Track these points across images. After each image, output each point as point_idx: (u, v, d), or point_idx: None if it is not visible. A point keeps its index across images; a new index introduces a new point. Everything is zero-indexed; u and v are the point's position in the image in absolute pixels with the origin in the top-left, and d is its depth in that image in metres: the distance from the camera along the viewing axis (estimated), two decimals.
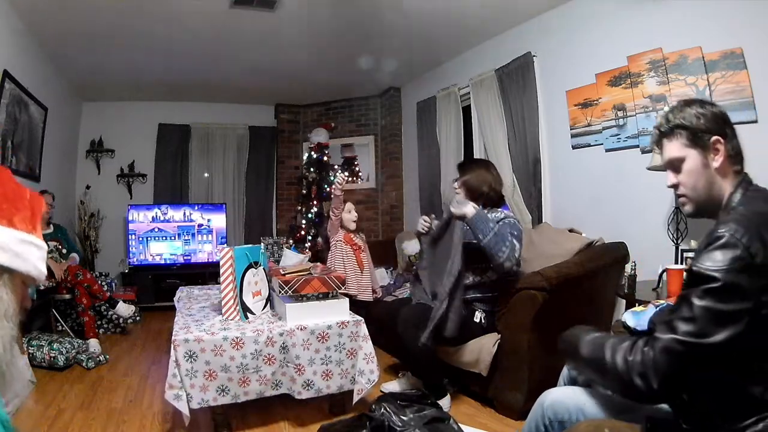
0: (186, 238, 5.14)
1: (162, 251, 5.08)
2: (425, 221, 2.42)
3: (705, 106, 1.04)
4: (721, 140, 1.02)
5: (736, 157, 1.04)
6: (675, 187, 1.08)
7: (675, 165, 1.06)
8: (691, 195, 1.05)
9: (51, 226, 3.70)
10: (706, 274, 0.87)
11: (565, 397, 1.19)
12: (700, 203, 1.05)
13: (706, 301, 0.86)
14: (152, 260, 5.03)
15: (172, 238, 5.10)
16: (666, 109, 1.11)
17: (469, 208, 2.14)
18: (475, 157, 4.18)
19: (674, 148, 1.05)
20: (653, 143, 1.16)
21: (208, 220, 5.21)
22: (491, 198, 2.33)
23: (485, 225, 2.10)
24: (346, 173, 3.27)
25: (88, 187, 5.17)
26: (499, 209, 2.34)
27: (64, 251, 3.63)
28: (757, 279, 0.85)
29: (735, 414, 0.88)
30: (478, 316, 2.29)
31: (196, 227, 5.18)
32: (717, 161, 1.02)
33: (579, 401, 1.15)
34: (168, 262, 5.08)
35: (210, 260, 5.13)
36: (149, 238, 5.03)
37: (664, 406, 1.07)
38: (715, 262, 0.87)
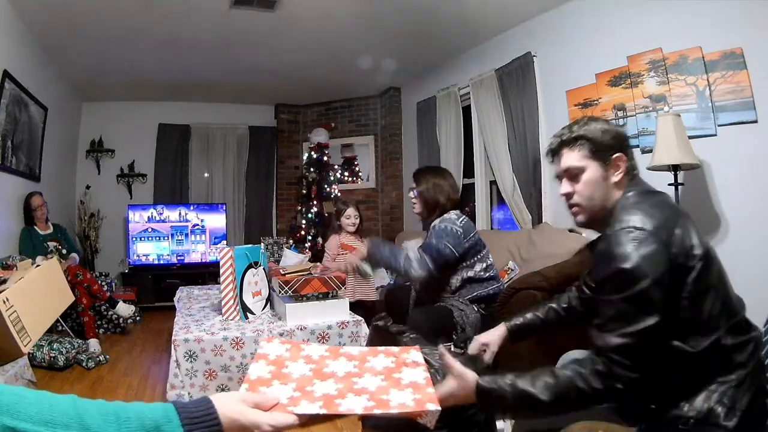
0: (179, 238, 5.13)
1: (155, 251, 5.05)
2: None
3: (609, 124, 1.09)
4: (624, 157, 1.06)
5: (632, 174, 1.08)
6: (569, 195, 1.10)
7: (573, 174, 1.09)
8: (586, 204, 1.08)
9: (50, 225, 3.70)
10: (610, 274, 0.92)
11: None
12: (593, 213, 1.08)
13: (625, 292, 0.90)
14: (144, 260, 5.02)
15: (165, 238, 5.08)
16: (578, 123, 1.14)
17: (360, 259, 2.18)
18: (474, 158, 4.19)
19: (575, 157, 1.08)
20: (550, 151, 1.15)
21: (202, 220, 5.20)
22: (446, 208, 2.29)
23: (377, 254, 2.15)
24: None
25: (88, 187, 5.17)
26: (445, 214, 2.28)
27: (64, 251, 3.63)
28: (658, 244, 0.91)
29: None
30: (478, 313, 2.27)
31: (190, 227, 5.17)
32: (616, 176, 1.06)
33: (561, 419, 1.12)
34: (159, 262, 5.05)
35: (204, 260, 5.13)
36: (142, 238, 5.02)
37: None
38: (612, 261, 0.92)
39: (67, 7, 3.14)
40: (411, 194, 2.39)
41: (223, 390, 1.94)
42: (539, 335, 1.38)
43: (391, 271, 2.24)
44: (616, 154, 1.05)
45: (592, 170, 1.06)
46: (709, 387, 0.92)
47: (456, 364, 0.97)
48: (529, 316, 1.37)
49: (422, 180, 2.34)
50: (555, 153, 1.13)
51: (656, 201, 1.00)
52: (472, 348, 1.35)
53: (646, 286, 0.89)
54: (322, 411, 0.71)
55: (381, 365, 0.85)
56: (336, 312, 2.22)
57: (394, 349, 0.91)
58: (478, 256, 2.26)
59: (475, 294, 2.23)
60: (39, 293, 1.80)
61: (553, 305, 1.37)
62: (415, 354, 0.89)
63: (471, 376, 0.96)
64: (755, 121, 2.20)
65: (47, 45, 3.75)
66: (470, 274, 2.24)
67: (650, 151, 2.45)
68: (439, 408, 0.76)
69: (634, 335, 0.89)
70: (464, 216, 2.28)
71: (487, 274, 2.27)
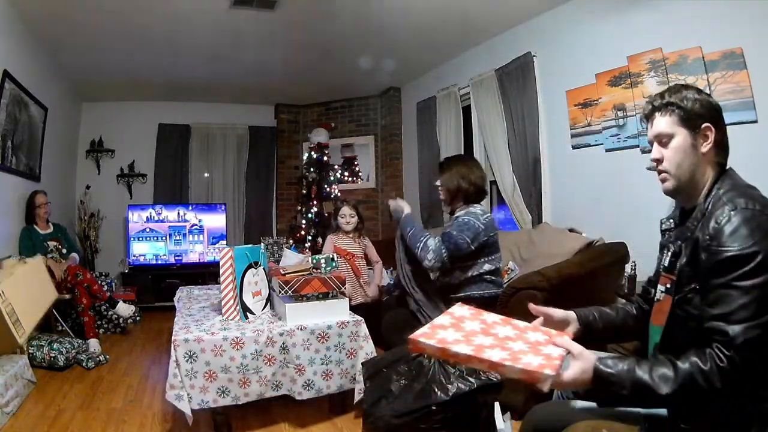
0: (177, 238, 5.12)
1: (153, 251, 5.04)
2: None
3: (701, 93, 1.06)
4: (712, 128, 1.03)
5: (721, 148, 1.05)
6: (658, 161, 1.08)
7: (663, 140, 1.07)
8: (674, 172, 1.06)
9: (50, 225, 3.69)
10: (744, 254, 0.87)
11: (551, 414, 1.16)
12: (681, 182, 1.06)
13: (758, 278, 0.86)
14: (144, 260, 5.01)
15: (162, 238, 5.07)
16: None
17: (403, 213, 2.30)
18: (474, 155, 4.19)
19: (666, 123, 1.06)
20: (644, 116, 1.15)
21: (200, 221, 5.19)
22: (470, 194, 2.30)
23: (405, 228, 2.27)
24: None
25: (88, 187, 5.17)
26: (470, 207, 2.29)
27: (64, 251, 3.62)
28: None
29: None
30: None
31: (188, 227, 5.16)
32: (705, 147, 1.03)
33: (566, 418, 1.12)
34: (158, 262, 5.04)
35: (202, 260, 5.13)
36: (139, 238, 5.01)
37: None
38: (746, 238, 0.88)
39: (67, 8, 3.14)
40: (437, 182, 2.41)
41: (223, 392, 1.94)
42: (606, 341, 1.27)
43: (408, 245, 2.27)
44: (705, 124, 1.03)
45: (681, 137, 1.04)
46: (752, 400, 0.90)
47: (574, 345, 0.94)
48: (597, 312, 1.23)
49: (446, 169, 2.36)
50: (648, 118, 1.12)
51: (761, 194, 0.98)
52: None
53: None
54: (470, 352, 0.89)
55: (534, 338, 1.00)
56: (336, 312, 2.22)
57: (552, 331, 1.06)
58: (490, 258, 2.27)
59: (468, 294, 2.22)
60: (29, 288, 1.83)
61: (621, 306, 1.27)
62: (567, 341, 1.00)
63: (591, 356, 0.92)
64: (755, 121, 2.20)
65: (47, 45, 3.75)
66: (475, 272, 2.23)
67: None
68: (553, 373, 0.84)
69: (764, 327, 0.85)
70: (489, 213, 2.31)
71: (491, 278, 2.26)
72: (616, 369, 0.90)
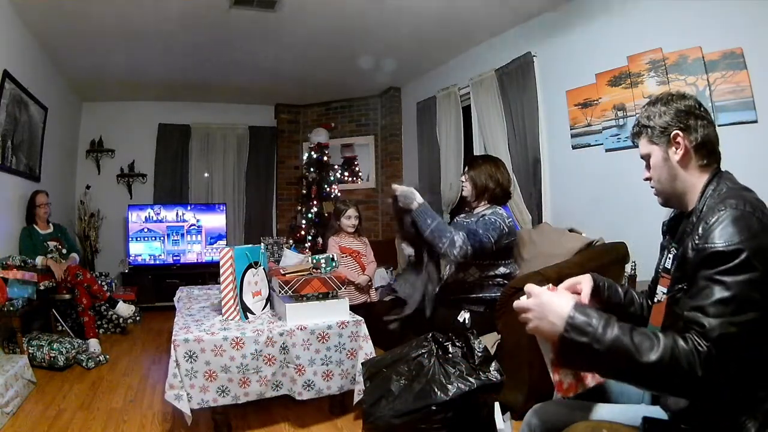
0: (175, 238, 5.11)
1: (151, 251, 5.04)
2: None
3: (669, 104, 1.08)
4: (681, 134, 1.05)
5: (702, 149, 1.05)
6: (648, 180, 1.15)
7: (645, 161, 1.13)
8: (658, 187, 1.12)
9: (51, 225, 3.69)
10: (728, 250, 0.87)
11: (550, 414, 1.16)
12: (665, 194, 1.11)
13: (740, 276, 0.85)
14: (143, 260, 5.01)
15: (160, 238, 5.07)
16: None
17: (414, 204, 2.15)
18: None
19: (642, 145, 1.13)
20: (632, 142, 1.21)
21: (198, 220, 5.19)
22: (497, 195, 2.33)
23: (424, 220, 2.11)
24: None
25: (88, 187, 5.17)
26: (496, 207, 2.32)
27: (64, 251, 3.62)
28: None
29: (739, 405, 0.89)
30: (463, 316, 2.19)
31: (186, 228, 5.16)
32: (678, 154, 1.05)
33: (566, 418, 1.11)
34: (157, 262, 5.04)
35: (200, 260, 5.13)
36: (138, 238, 5.01)
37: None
38: (732, 235, 0.88)
39: (66, 7, 3.14)
40: (462, 178, 2.42)
41: (223, 392, 1.94)
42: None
43: (425, 243, 2.17)
44: (674, 132, 1.05)
45: (655, 154, 1.09)
46: (751, 401, 0.89)
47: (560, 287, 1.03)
48: (608, 282, 1.26)
49: (475, 165, 2.38)
50: (634, 143, 1.19)
51: (755, 196, 0.97)
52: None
53: (763, 275, 0.85)
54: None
55: None
56: (336, 312, 2.22)
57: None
58: (506, 261, 2.28)
59: (480, 296, 2.22)
60: None
61: (632, 291, 1.27)
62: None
63: (569, 299, 0.93)
64: (755, 121, 2.20)
65: (47, 45, 3.74)
66: (491, 273, 2.24)
67: None
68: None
69: (742, 326, 0.83)
70: (512, 218, 2.32)
71: (502, 281, 2.27)
72: (593, 319, 0.87)
